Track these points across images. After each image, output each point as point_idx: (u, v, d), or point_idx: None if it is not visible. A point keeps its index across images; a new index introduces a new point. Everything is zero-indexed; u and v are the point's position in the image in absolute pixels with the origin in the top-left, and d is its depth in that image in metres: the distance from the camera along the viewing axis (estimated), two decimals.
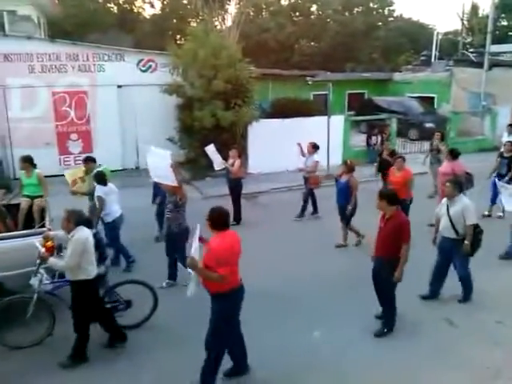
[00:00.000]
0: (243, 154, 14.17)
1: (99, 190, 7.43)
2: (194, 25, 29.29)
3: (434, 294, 6.65)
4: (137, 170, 14.27)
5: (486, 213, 10.01)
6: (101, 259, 6.12)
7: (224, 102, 12.99)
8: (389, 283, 5.63)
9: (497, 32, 32.09)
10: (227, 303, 4.58)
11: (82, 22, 28.31)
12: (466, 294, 6.59)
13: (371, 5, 42.05)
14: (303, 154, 10.24)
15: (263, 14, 40.65)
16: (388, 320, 5.87)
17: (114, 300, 5.85)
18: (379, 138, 16.05)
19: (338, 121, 15.24)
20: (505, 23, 41.82)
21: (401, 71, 26.97)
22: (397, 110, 19.66)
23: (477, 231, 6.25)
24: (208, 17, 26.60)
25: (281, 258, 8.21)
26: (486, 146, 17.92)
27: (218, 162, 9.88)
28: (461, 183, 6.49)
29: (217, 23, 28.30)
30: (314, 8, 42.19)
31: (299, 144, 10.37)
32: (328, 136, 14.01)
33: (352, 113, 21.46)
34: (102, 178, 7.55)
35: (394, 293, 5.74)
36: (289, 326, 6.04)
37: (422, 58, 28.02)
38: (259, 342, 5.41)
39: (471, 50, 25.87)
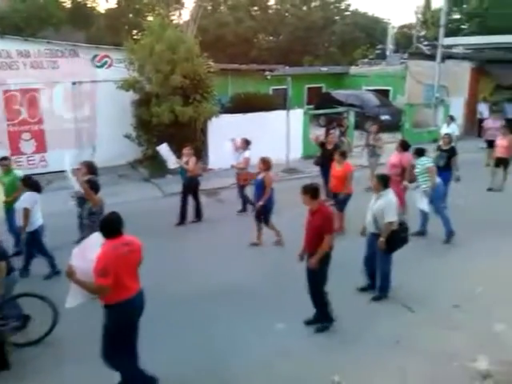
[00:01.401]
0: (203, 149, 14.13)
1: (28, 200, 6.92)
2: (151, 19, 28.77)
3: (370, 285, 6.67)
4: None
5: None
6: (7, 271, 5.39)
7: (183, 97, 12.84)
8: (321, 277, 5.62)
9: (449, 25, 33.06)
10: (117, 315, 4.32)
11: (32, 17, 27.30)
12: (382, 291, 6.52)
13: None
14: (236, 150, 10.12)
15: (221, 8, 40.41)
16: (324, 317, 5.83)
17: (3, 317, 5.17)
18: (338, 131, 16.27)
19: (297, 115, 15.35)
20: (457, 16, 43.15)
21: (357, 65, 27.49)
22: (354, 103, 19.99)
23: (401, 228, 6.23)
24: (165, 11, 26.23)
25: (218, 259, 8.11)
26: (439, 136, 18.43)
27: (172, 161, 9.69)
28: (387, 178, 6.39)
29: (174, 17, 28.00)
30: (272, 2, 42.31)
31: (233, 139, 10.30)
32: (288, 130, 14.11)
33: (311, 106, 21.66)
34: (34, 184, 7.06)
35: (324, 288, 5.71)
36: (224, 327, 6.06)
37: (378, 51, 28.68)
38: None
39: (425, 43, 26.48)
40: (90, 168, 7.24)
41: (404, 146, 9.23)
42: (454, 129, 13.10)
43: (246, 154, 9.84)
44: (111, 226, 4.33)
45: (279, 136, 14.14)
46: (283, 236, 8.48)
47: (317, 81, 25.20)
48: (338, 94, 22.16)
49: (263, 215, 8.33)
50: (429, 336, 5.69)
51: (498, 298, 6.51)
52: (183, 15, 33.69)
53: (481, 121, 18.37)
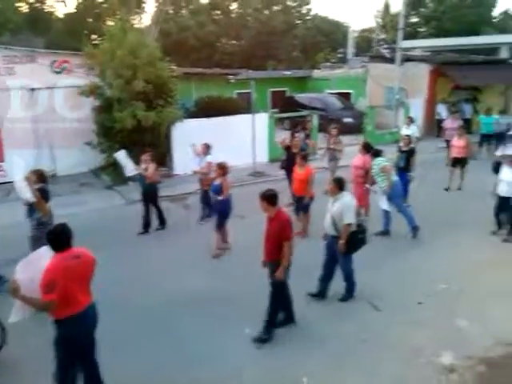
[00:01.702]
0: (168, 154, 13.98)
1: None
2: (111, 24, 28.31)
3: (322, 291, 6.63)
4: (53, 178, 13.52)
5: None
6: None
7: (145, 102, 12.66)
8: (281, 284, 5.58)
9: (408, 28, 33.97)
10: (67, 330, 4.16)
11: None
12: (348, 292, 6.59)
13: (289, 3, 42.99)
14: (197, 155, 10.01)
15: (183, 12, 40.21)
16: (270, 324, 5.70)
17: None
18: (302, 134, 16.40)
19: (262, 118, 15.41)
20: (415, 20, 44.39)
21: (319, 68, 27.79)
22: (317, 106, 20.24)
23: (358, 230, 6.28)
24: (125, 15, 25.86)
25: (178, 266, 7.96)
26: (401, 138, 18.91)
27: (130, 168, 9.45)
28: (343, 181, 6.48)
29: (135, 22, 27.64)
30: (234, 6, 42.41)
31: (193, 145, 10.20)
32: (253, 134, 14.14)
33: (275, 110, 21.79)
34: None
35: (282, 297, 5.71)
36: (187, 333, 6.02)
37: (339, 55, 29.17)
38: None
39: (385, 47, 27.13)
40: (41, 176, 7.00)
41: (367, 148, 9.34)
42: (413, 130, 13.36)
43: (208, 158, 9.72)
44: (59, 239, 4.16)
45: (245, 140, 14.16)
46: (248, 241, 8.42)
47: (280, 85, 25.39)
48: (302, 97, 22.39)
49: (218, 221, 8.21)
50: (395, 333, 5.79)
51: (459, 294, 6.69)
52: (144, 19, 33.30)
53: (440, 121, 18.96)
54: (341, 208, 6.20)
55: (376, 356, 5.36)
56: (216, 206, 8.34)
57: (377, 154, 8.88)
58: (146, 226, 9.54)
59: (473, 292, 6.72)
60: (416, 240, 8.63)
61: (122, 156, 9.56)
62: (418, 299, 6.54)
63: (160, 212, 9.71)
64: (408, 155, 10.03)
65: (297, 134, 16.42)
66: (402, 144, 10.34)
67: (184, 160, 13.55)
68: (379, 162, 8.68)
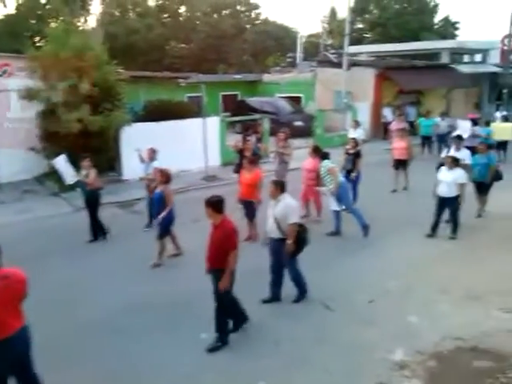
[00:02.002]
0: (117, 159, 13.63)
1: None
2: (54, 25, 27.36)
3: (275, 295, 6.60)
4: None
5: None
6: None
7: (92, 106, 12.29)
8: (223, 297, 5.47)
9: (354, 34, 34.96)
10: None
11: None
12: (300, 294, 6.59)
13: (238, 8, 43.18)
14: (142, 161, 9.78)
15: (130, 14, 39.47)
16: (222, 334, 5.60)
17: None
18: (254, 138, 16.47)
19: (213, 122, 15.33)
20: (361, 26, 45.70)
21: (270, 72, 28.02)
22: (268, 110, 20.39)
23: (300, 230, 6.28)
24: (69, 17, 25.07)
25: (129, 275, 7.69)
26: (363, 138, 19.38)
27: (69, 175, 9.11)
28: (283, 183, 6.51)
29: (79, 24, 26.84)
30: (182, 10, 42.09)
31: (138, 150, 9.97)
32: (205, 137, 14.03)
33: (227, 114, 21.75)
34: None
35: (229, 305, 5.62)
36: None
37: (289, 59, 29.48)
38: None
39: (332, 52, 27.71)
40: None
41: (316, 151, 9.51)
42: (359, 133, 13.60)
43: (155, 164, 9.42)
44: None
45: (197, 144, 14.04)
46: (201, 245, 8.31)
47: (231, 88, 25.39)
48: (253, 101, 22.48)
49: (161, 230, 7.92)
50: (348, 332, 5.87)
51: (409, 290, 6.88)
52: (90, 21, 32.40)
53: (386, 124, 19.58)
54: (284, 209, 6.19)
55: (330, 355, 5.41)
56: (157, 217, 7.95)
57: (324, 156, 9.09)
58: (95, 233, 9.22)
59: (421, 288, 6.93)
60: (365, 240, 8.83)
61: (61, 162, 9.16)
62: (369, 298, 6.66)
63: (96, 222, 9.22)
64: (354, 157, 10.25)
65: (248, 138, 16.54)
66: (348, 147, 10.55)
67: (133, 165, 13.26)
68: (326, 164, 8.91)
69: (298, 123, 20.34)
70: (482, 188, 9.91)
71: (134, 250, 8.66)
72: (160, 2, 41.17)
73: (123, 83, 13.49)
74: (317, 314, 6.30)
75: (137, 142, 13.18)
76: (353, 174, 10.29)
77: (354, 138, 11.01)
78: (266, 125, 16.83)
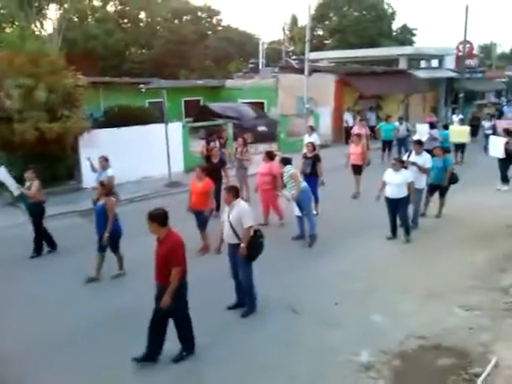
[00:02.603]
0: (76, 167, 13.27)
1: None
2: (9, 31, 26.52)
3: (240, 301, 6.53)
4: None
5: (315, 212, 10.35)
6: None
7: (49, 112, 11.94)
8: (176, 309, 5.26)
9: (314, 41, 35.52)
10: None
11: None
12: (250, 306, 6.43)
13: (200, 14, 43.06)
14: (94, 170, 9.53)
15: (89, 20, 38.70)
16: (187, 344, 5.47)
17: None
18: (218, 143, 16.40)
19: (176, 128, 15.17)
20: (320, 32, 46.45)
21: (232, 78, 28.06)
22: (231, 115, 20.35)
23: (257, 235, 6.23)
24: (24, 22, 24.40)
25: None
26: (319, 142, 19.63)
27: (13, 187, 8.67)
28: (236, 189, 6.50)
29: (35, 29, 26.11)
30: (142, 15, 41.61)
31: (89, 159, 9.71)
32: (167, 143, 13.84)
33: (190, 119, 21.61)
34: None
35: (187, 314, 5.42)
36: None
37: (251, 65, 29.60)
38: None
39: (293, 58, 28.05)
40: None
41: (270, 156, 9.65)
42: (315, 138, 13.48)
43: (109, 172, 9.18)
44: None
45: (159, 150, 13.82)
46: None
47: (194, 94, 25.24)
48: (216, 106, 22.39)
49: (111, 245, 7.55)
50: (314, 335, 5.88)
51: (372, 292, 6.96)
52: (47, 27, 31.56)
53: (347, 129, 19.91)
54: (238, 214, 6.13)
55: (296, 359, 5.40)
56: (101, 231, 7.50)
57: (286, 162, 9.07)
58: (39, 248, 8.76)
59: (384, 289, 7.02)
60: (328, 243, 8.83)
61: (2, 174, 8.71)
62: (334, 300, 6.70)
63: (40, 236, 8.76)
64: (314, 161, 10.31)
65: (212, 143, 16.47)
66: (306, 151, 10.61)
67: (93, 172, 12.97)
68: (289, 169, 8.90)
69: (262, 128, 20.42)
70: (439, 191, 10.11)
71: (88, 263, 7.94)
72: (119, 8, 40.59)
73: (82, 89, 13.18)
74: (282, 318, 6.29)
75: (97, 148, 12.94)
76: (321, 179, 10.29)
77: (311, 142, 11.05)
78: (229, 130, 16.79)
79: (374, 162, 13.32)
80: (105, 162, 9.34)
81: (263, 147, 18.38)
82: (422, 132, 14.95)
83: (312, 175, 10.20)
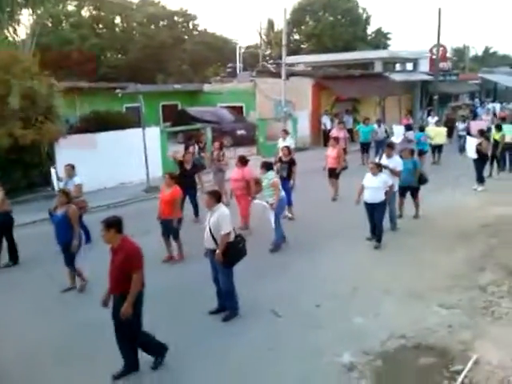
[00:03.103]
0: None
1: None
2: None
3: (222, 306, 6.44)
4: None
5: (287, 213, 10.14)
6: None
7: (23, 119, 11.72)
8: (135, 320, 5.00)
9: (291, 45, 35.76)
10: None
11: None
12: (232, 310, 6.34)
13: (176, 18, 42.95)
14: (59, 179, 9.27)
15: (63, 25, 38.21)
16: (128, 362, 5.18)
17: None
18: (197, 148, 16.36)
19: (153, 132, 15.06)
20: (297, 37, 46.83)
21: (210, 82, 28.03)
22: (210, 119, 20.33)
23: (237, 240, 6.17)
24: None
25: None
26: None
27: None
28: (219, 193, 6.45)
29: (7, 35, 25.59)
30: (117, 20, 41.29)
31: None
32: (145, 148, 13.71)
33: (167, 124, 21.48)
34: None
35: (141, 329, 5.15)
36: None
37: (229, 69, 29.57)
38: None
39: (270, 62, 28.18)
40: None
41: (242, 161, 9.44)
42: (289, 142, 13.28)
43: (77, 180, 8.94)
44: None
45: (137, 155, 13.68)
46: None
47: (172, 98, 25.12)
48: (194, 110, 22.35)
49: (68, 257, 7.23)
50: (297, 337, 5.86)
51: (353, 293, 6.98)
52: (20, 32, 30.93)
53: (325, 132, 20.07)
54: (217, 219, 6.04)
55: (279, 363, 5.37)
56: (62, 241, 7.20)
57: (268, 167, 8.86)
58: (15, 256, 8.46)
59: (365, 290, 7.05)
60: (309, 246, 8.82)
61: None
62: (315, 303, 6.70)
63: (13, 245, 8.49)
64: (289, 165, 10.27)
65: (191, 148, 16.39)
66: (281, 154, 10.55)
67: None
68: (271, 176, 8.72)
69: (241, 132, 20.47)
70: (411, 192, 10.10)
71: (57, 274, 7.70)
72: (94, 13, 40.20)
73: (57, 95, 12.97)
74: (265, 322, 6.26)
75: (73, 154, 12.77)
76: (291, 182, 10.23)
77: (286, 146, 10.98)
78: (208, 134, 16.74)
79: (354, 165, 13.43)
80: (71, 169, 9.09)
81: (242, 151, 18.45)
82: (398, 134, 15.19)
83: (288, 179, 10.18)
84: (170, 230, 8.21)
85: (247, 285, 6.87)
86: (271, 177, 8.70)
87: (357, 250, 8.70)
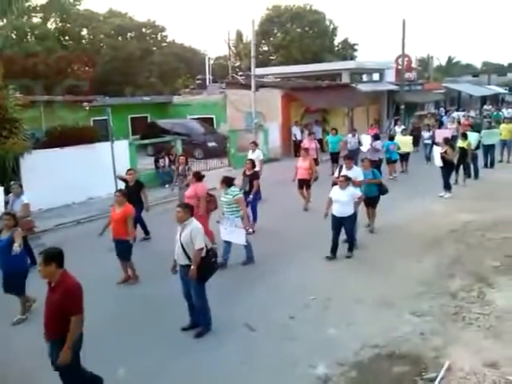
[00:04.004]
0: None
1: None
2: None
3: (194, 322, 6.33)
4: None
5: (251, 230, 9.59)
6: None
7: None
8: (72, 367, 4.59)
9: (260, 56, 36.05)
10: None
11: None
12: (205, 326, 6.25)
13: (144, 30, 42.75)
14: (7, 201, 8.88)
15: (28, 37, 37.48)
16: None
17: None
18: (167, 160, 16.23)
19: (122, 146, 14.84)
20: (266, 48, 47.27)
21: (180, 94, 27.92)
22: (180, 131, 20.21)
23: (209, 255, 6.07)
24: None
25: None
26: (263, 158, 19.78)
27: None
28: (191, 207, 6.33)
29: None
30: (84, 32, 40.79)
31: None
32: (113, 162, 13.46)
33: (137, 137, 21.25)
34: None
35: (81, 372, 4.80)
36: None
37: (198, 81, 29.52)
38: None
39: (240, 74, 28.28)
40: None
41: (197, 177, 9.10)
42: (258, 154, 13.11)
43: (24, 199, 8.56)
44: None
45: (106, 169, 13.42)
46: (105, 274, 7.89)
47: (141, 111, 24.90)
48: (164, 123, 22.20)
49: (14, 285, 6.71)
50: (271, 350, 5.82)
51: (326, 304, 6.98)
52: None
53: (295, 142, 20.24)
54: (190, 234, 5.90)
55: (253, 376, 5.32)
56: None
57: (230, 183, 8.41)
58: None
59: (337, 300, 7.06)
60: (279, 259, 8.75)
61: None
62: (289, 314, 6.67)
63: None
64: (252, 178, 10.10)
65: (161, 160, 16.25)
66: (245, 168, 10.38)
67: (37, 194, 12.43)
68: (236, 193, 8.29)
69: (212, 144, 20.44)
70: (371, 202, 9.95)
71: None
72: (60, 25, 39.59)
73: (21, 108, 12.66)
74: (239, 336, 6.19)
75: (40, 169, 12.46)
76: (250, 197, 10.02)
77: (250, 159, 10.81)
78: (178, 146, 16.61)
79: (325, 175, 13.49)
80: (18, 188, 8.75)
81: (214, 163, 18.41)
82: (366, 143, 15.42)
83: (251, 192, 10.00)
84: (121, 250, 7.80)
85: (220, 300, 6.81)
86: (235, 193, 8.26)
87: (328, 262, 8.63)
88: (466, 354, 5.46)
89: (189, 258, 5.97)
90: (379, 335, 6.00)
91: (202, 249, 5.96)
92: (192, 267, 5.90)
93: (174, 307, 6.63)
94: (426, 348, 5.68)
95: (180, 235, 6.04)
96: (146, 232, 10.24)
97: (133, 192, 9.45)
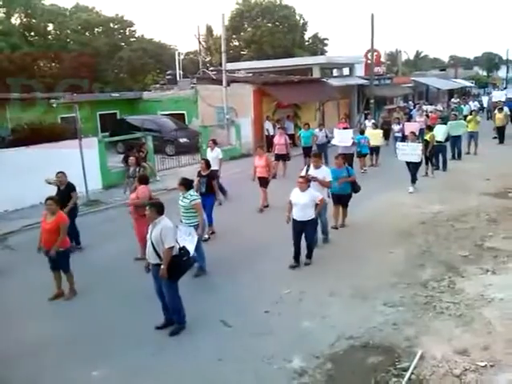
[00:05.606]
0: None
1: None
2: None
3: (169, 320, 6.26)
4: None
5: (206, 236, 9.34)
6: None
7: None
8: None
9: (231, 51, 35.89)
10: None
11: None
12: (179, 324, 6.21)
13: (112, 25, 41.98)
14: None
15: None
16: None
17: None
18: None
19: (91, 143, 14.52)
20: (237, 43, 47.07)
21: (150, 90, 27.54)
22: (151, 127, 19.94)
23: (181, 253, 6.01)
24: None
25: None
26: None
27: None
28: (161, 205, 6.14)
29: None
30: (50, 28, 39.78)
31: None
32: (82, 160, 13.19)
33: (106, 134, 20.87)
34: None
35: None
36: None
37: (168, 76, 29.16)
38: None
39: (211, 69, 28.07)
40: None
41: (141, 180, 8.73)
42: (217, 152, 12.44)
43: None
44: None
45: (74, 167, 13.11)
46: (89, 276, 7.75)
47: (109, 107, 24.43)
48: (134, 119, 21.87)
49: None
50: (246, 346, 5.81)
51: (300, 297, 7.01)
52: None
53: (268, 137, 20.24)
54: (160, 232, 5.84)
55: (230, 371, 5.31)
56: None
57: (189, 186, 7.91)
58: None
59: (311, 294, 7.09)
60: (251, 255, 8.68)
61: None
62: (264, 308, 6.67)
63: None
64: (208, 179, 9.52)
65: (131, 158, 15.96)
66: (200, 168, 9.75)
67: (2, 195, 12.10)
68: (194, 197, 7.78)
69: (183, 140, 20.25)
70: (343, 200, 9.81)
71: None
72: (25, 20, 38.51)
73: None
74: (214, 333, 6.17)
75: (5, 169, 12.09)
76: (219, 199, 9.52)
77: (204, 159, 10.24)
78: (149, 143, 16.37)
79: (297, 169, 13.41)
80: None
81: (186, 159, 18.23)
82: (346, 138, 15.27)
83: (207, 194, 9.33)
84: (58, 261, 7.21)
85: (194, 297, 6.77)
86: (193, 198, 7.74)
87: (293, 270, 8.12)
88: (438, 343, 5.57)
89: (159, 256, 5.90)
90: (353, 326, 6.06)
91: (172, 247, 5.90)
92: (162, 266, 5.84)
93: (147, 306, 6.54)
94: (399, 338, 5.77)
95: (151, 234, 5.97)
96: (78, 242, 9.50)
97: (65, 195, 9.04)
